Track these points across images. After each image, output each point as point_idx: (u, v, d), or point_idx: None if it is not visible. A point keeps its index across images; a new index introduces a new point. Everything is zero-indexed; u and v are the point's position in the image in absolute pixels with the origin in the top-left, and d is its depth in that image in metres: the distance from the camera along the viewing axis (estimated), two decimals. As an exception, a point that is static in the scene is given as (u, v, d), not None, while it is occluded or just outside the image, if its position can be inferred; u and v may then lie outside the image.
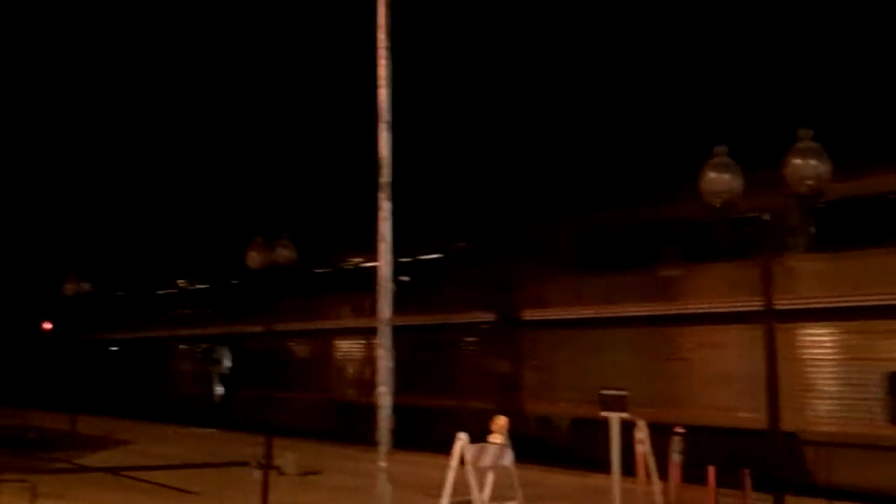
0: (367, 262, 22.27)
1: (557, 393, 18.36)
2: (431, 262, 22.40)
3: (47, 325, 29.90)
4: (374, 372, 22.17)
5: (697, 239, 15.99)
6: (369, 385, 21.30)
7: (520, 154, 30.49)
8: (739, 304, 14.49)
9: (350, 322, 23.89)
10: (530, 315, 19.33)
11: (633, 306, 16.93)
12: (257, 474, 14.30)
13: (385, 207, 9.53)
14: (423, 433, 19.50)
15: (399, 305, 21.32)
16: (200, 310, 31.84)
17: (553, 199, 21.79)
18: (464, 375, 20.84)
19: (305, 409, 25.18)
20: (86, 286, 28.10)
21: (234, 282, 28.15)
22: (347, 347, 24.61)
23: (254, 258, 18.58)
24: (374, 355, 21.62)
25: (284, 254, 17.87)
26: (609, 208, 18.28)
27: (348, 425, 22.89)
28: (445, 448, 17.40)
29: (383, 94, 9.49)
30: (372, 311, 21.66)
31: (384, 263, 9.67)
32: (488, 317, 20.52)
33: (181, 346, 32.49)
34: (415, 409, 20.01)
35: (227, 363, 29.65)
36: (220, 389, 29.83)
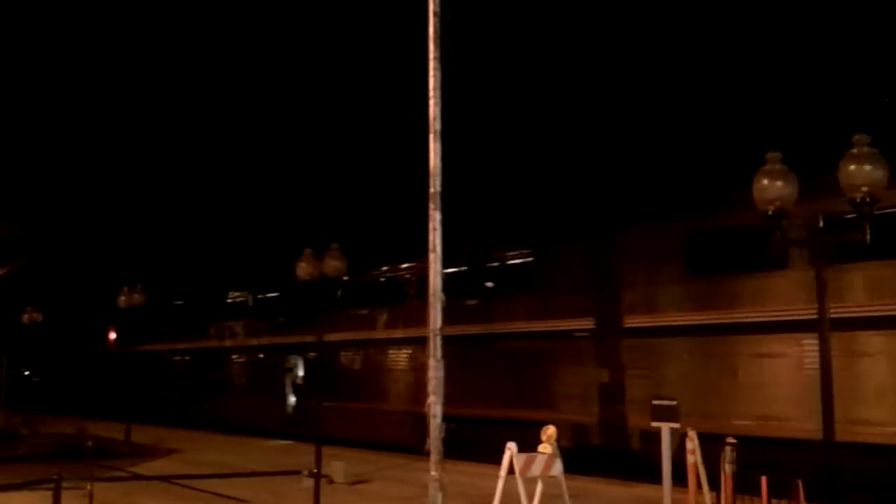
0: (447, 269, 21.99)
1: None
2: (522, 266, 21.36)
3: (112, 335, 30.23)
4: (455, 382, 21.45)
5: (827, 239, 14.46)
6: (455, 396, 20.93)
7: (620, 152, 28.79)
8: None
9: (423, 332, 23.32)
10: (634, 321, 18.02)
11: (756, 311, 15.56)
12: (307, 483, 14.42)
13: (435, 218, 9.60)
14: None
15: (486, 313, 21.32)
16: (257, 321, 31.88)
17: (659, 199, 20.26)
18: (558, 386, 19.63)
19: (381, 420, 24.61)
20: (139, 298, 28.61)
21: (301, 291, 27.51)
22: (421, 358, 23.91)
23: (303, 268, 18.82)
24: (454, 365, 21.49)
25: (334, 264, 18.10)
26: (723, 208, 16.66)
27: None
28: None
29: (433, 105, 9.58)
30: (450, 319, 21.36)
31: (434, 274, 9.72)
32: (586, 323, 19.25)
33: (239, 357, 32.62)
34: (503, 421, 19.31)
35: (291, 373, 29.44)
36: (279, 399, 29.75)
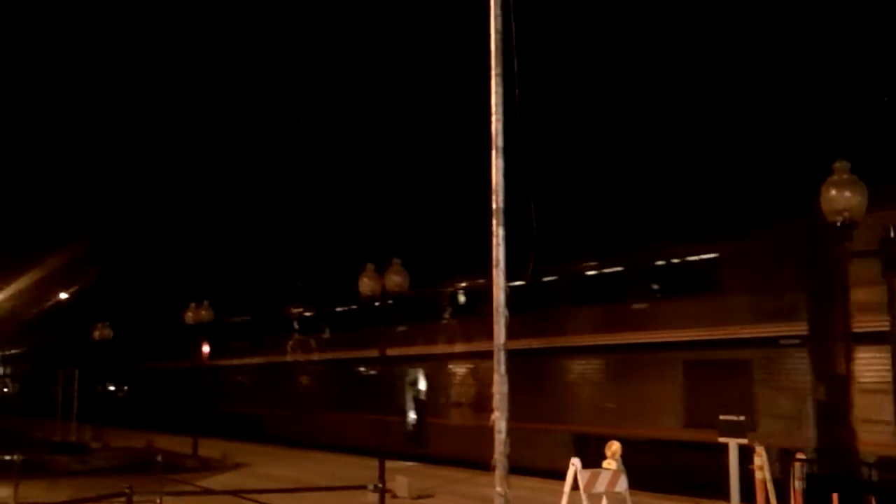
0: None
1: None
2: (704, 263, 18.48)
3: (206, 349, 29.82)
4: (595, 397, 20.19)
5: None
6: (616, 414, 19.38)
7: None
8: None
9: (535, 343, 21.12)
10: (863, 325, 15.03)
11: None
12: (372, 497, 14.51)
13: (499, 234, 9.58)
14: (704, 474, 16.02)
15: (655, 320, 18.96)
16: (336, 335, 31.29)
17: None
18: (754, 404, 16.52)
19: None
20: (206, 314, 28.97)
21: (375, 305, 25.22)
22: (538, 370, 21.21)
23: (366, 284, 18.95)
24: (578, 377, 20.72)
25: (396, 280, 18.24)
26: None
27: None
28: (711, 493, 15.64)
29: (495, 121, 9.60)
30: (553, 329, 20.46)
31: (497, 289, 9.69)
32: (794, 329, 16.25)
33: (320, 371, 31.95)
34: (689, 444, 16.99)
35: (413, 388, 27.53)
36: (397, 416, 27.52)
